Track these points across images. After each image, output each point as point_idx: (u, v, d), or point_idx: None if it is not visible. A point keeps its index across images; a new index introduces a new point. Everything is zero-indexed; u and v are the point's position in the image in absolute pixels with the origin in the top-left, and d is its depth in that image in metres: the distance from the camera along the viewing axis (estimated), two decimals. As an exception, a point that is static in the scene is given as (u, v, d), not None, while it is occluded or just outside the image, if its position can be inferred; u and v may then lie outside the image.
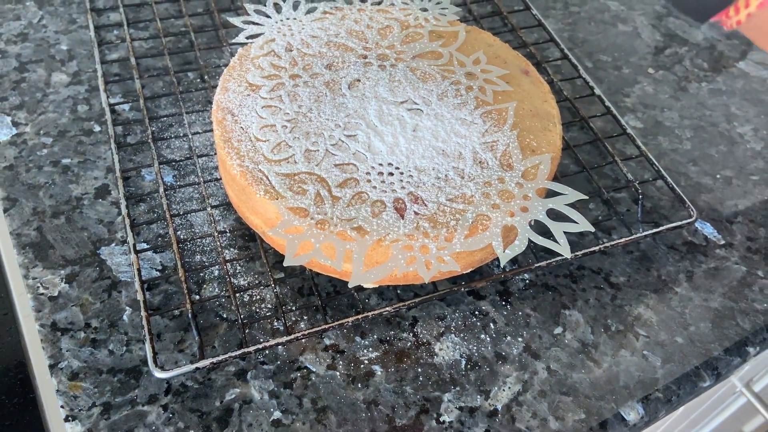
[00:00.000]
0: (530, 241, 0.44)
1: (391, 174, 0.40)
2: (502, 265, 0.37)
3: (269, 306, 0.42)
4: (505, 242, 0.39)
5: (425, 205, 0.38)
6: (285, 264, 0.35)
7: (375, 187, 0.39)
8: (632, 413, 0.40)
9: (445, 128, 0.42)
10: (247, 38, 0.48)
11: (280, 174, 0.39)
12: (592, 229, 0.38)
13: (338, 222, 0.37)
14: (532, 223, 0.39)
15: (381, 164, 0.40)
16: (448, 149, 0.41)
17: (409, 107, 0.43)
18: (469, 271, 0.42)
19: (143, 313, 0.39)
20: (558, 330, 0.43)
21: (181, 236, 0.45)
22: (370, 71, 0.45)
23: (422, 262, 0.36)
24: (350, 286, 0.35)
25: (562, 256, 0.44)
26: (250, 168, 0.39)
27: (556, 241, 0.38)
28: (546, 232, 0.39)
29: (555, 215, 0.41)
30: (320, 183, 0.39)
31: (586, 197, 0.40)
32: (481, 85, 0.45)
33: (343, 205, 0.38)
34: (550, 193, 0.45)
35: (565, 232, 0.38)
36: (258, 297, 0.43)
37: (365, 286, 0.43)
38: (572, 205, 0.47)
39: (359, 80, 0.45)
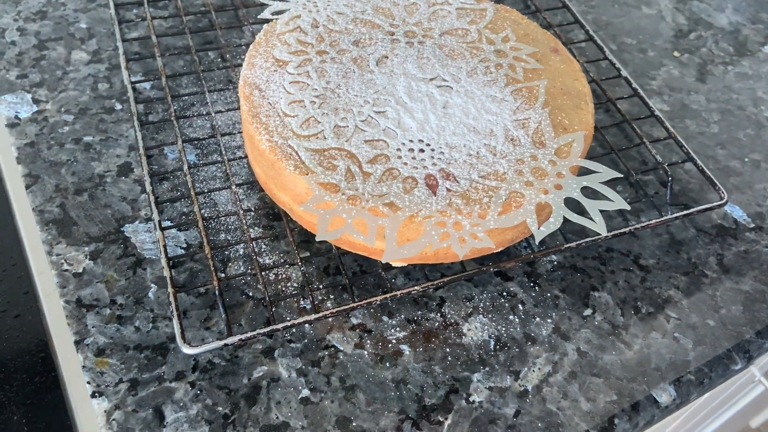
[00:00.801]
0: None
1: (422, 150, 0.39)
2: (537, 242, 0.37)
3: (295, 285, 0.42)
4: (539, 220, 0.38)
5: (457, 182, 0.38)
6: (317, 239, 0.35)
7: (406, 164, 0.38)
8: (664, 395, 0.40)
9: (476, 105, 0.42)
10: (273, 14, 0.47)
11: (310, 149, 0.38)
12: (628, 207, 0.37)
13: (370, 198, 0.36)
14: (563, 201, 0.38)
15: (411, 141, 0.40)
16: (479, 126, 0.41)
17: (438, 84, 0.43)
18: (499, 250, 0.41)
19: (170, 290, 0.38)
20: (587, 312, 0.43)
21: (206, 214, 0.45)
22: (397, 48, 0.45)
23: (456, 238, 0.35)
24: (383, 261, 0.35)
25: (591, 237, 0.43)
26: (279, 143, 0.39)
27: (590, 218, 0.37)
28: (577, 212, 0.39)
29: (586, 194, 0.41)
30: (350, 159, 0.38)
31: (621, 175, 0.39)
32: (510, 62, 0.45)
33: (374, 181, 0.37)
34: (583, 172, 0.44)
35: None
36: (284, 276, 0.42)
37: (393, 264, 0.42)
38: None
39: (387, 57, 0.44)
